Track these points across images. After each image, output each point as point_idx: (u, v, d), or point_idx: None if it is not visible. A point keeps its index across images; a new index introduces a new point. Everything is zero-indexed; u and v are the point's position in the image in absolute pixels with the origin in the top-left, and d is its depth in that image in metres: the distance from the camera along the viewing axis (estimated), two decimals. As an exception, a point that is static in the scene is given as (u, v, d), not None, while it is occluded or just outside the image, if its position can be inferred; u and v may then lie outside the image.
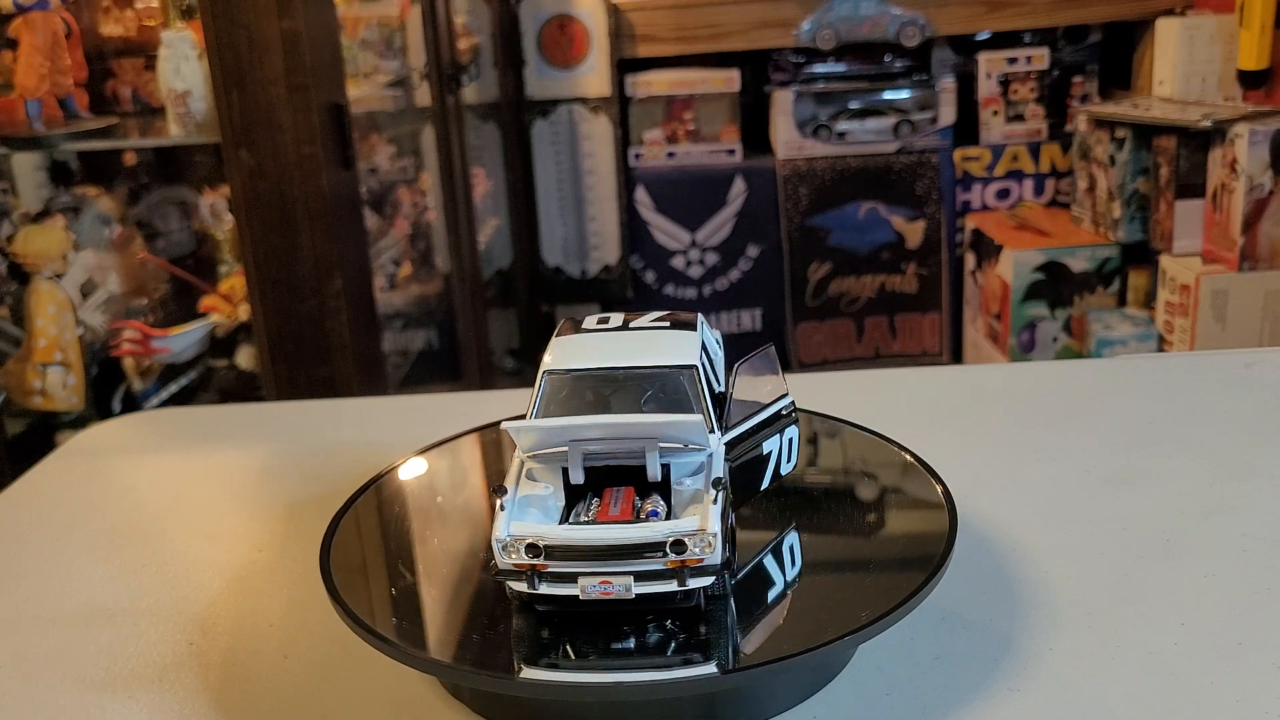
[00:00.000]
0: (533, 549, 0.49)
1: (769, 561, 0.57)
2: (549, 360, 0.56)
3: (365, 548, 0.61)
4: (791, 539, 0.59)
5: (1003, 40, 2.53)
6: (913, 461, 0.65)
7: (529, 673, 0.49)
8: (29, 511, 0.81)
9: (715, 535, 0.48)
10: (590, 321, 0.59)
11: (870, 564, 0.56)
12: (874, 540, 0.59)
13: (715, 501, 0.49)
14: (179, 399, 1.66)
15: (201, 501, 0.80)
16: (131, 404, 1.65)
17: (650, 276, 2.64)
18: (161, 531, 0.75)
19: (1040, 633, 0.57)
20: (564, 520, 0.52)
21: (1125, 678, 0.53)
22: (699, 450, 0.52)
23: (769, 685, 0.52)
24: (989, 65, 2.51)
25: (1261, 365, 0.90)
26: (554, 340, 0.58)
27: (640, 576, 0.49)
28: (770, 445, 0.58)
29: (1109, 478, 0.74)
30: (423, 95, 2.00)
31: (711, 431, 0.54)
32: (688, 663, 0.49)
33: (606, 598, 0.49)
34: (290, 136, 1.37)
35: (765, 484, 0.59)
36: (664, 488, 0.52)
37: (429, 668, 0.51)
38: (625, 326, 0.59)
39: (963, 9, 2.45)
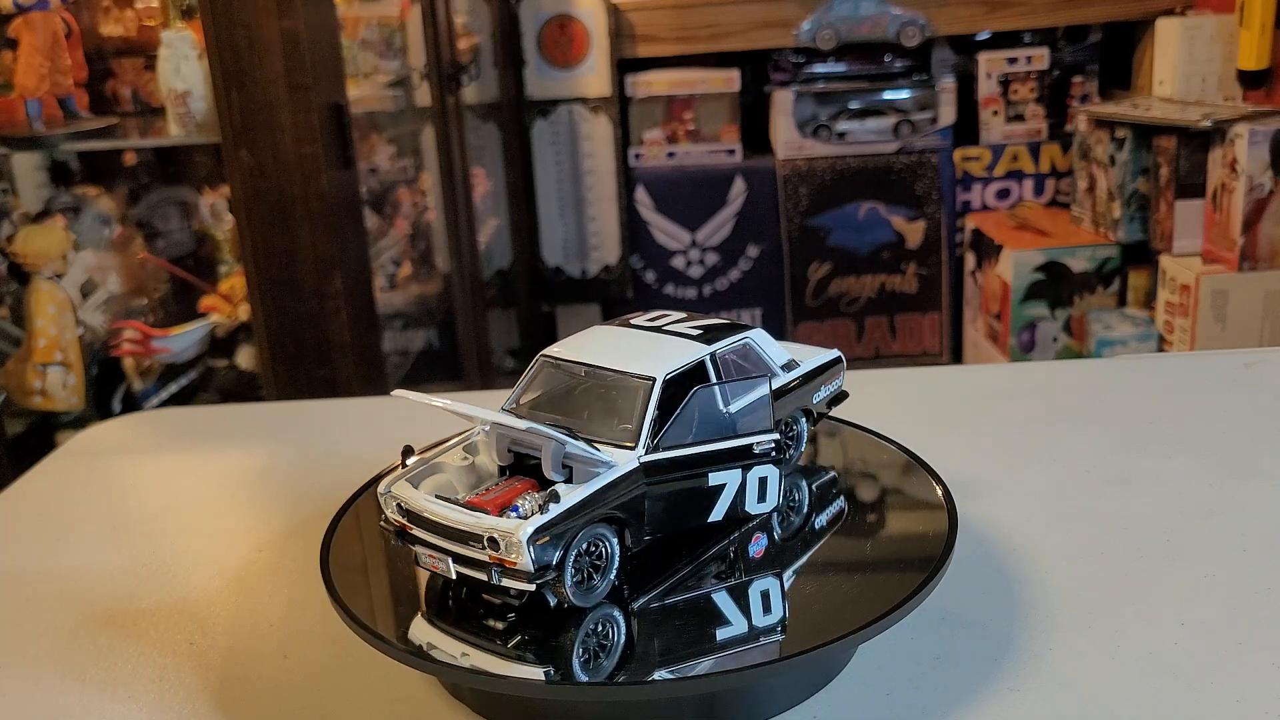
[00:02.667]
0: (400, 509, 0.54)
1: (769, 562, 0.57)
2: (554, 346, 0.60)
3: (365, 548, 0.61)
4: (792, 539, 0.59)
5: (1003, 40, 2.53)
6: (913, 461, 0.65)
7: (529, 673, 0.49)
8: (29, 511, 0.81)
9: (519, 544, 0.49)
10: (641, 318, 0.62)
11: (870, 564, 0.56)
12: (874, 540, 0.59)
13: (543, 511, 0.50)
14: (179, 399, 1.66)
15: (201, 501, 0.80)
16: (131, 404, 1.65)
17: (650, 276, 2.64)
18: (161, 531, 0.75)
19: (1040, 633, 0.57)
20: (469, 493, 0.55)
21: (1125, 678, 0.53)
22: (601, 461, 0.53)
23: (769, 685, 0.52)
24: (989, 65, 2.51)
25: (1261, 365, 0.90)
26: (586, 329, 0.62)
27: (461, 560, 0.51)
28: (724, 479, 0.56)
29: (1109, 478, 0.74)
30: (423, 95, 2.00)
31: (629, 446, 0.54)
32: (688, 663, 0.49)
33: (435, 570, 0.53)
34: (290, 136, 1.37)
35: (715, 518, 0.56)
36: None
37: (429, 668, 0.51)
38: (652, 327, 0.60)
39: (963, 9, 2.45)
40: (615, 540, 0.53)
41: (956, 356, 2.66)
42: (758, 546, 0.58)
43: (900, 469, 0.65)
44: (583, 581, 0.52)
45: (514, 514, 0.51)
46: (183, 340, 1.60)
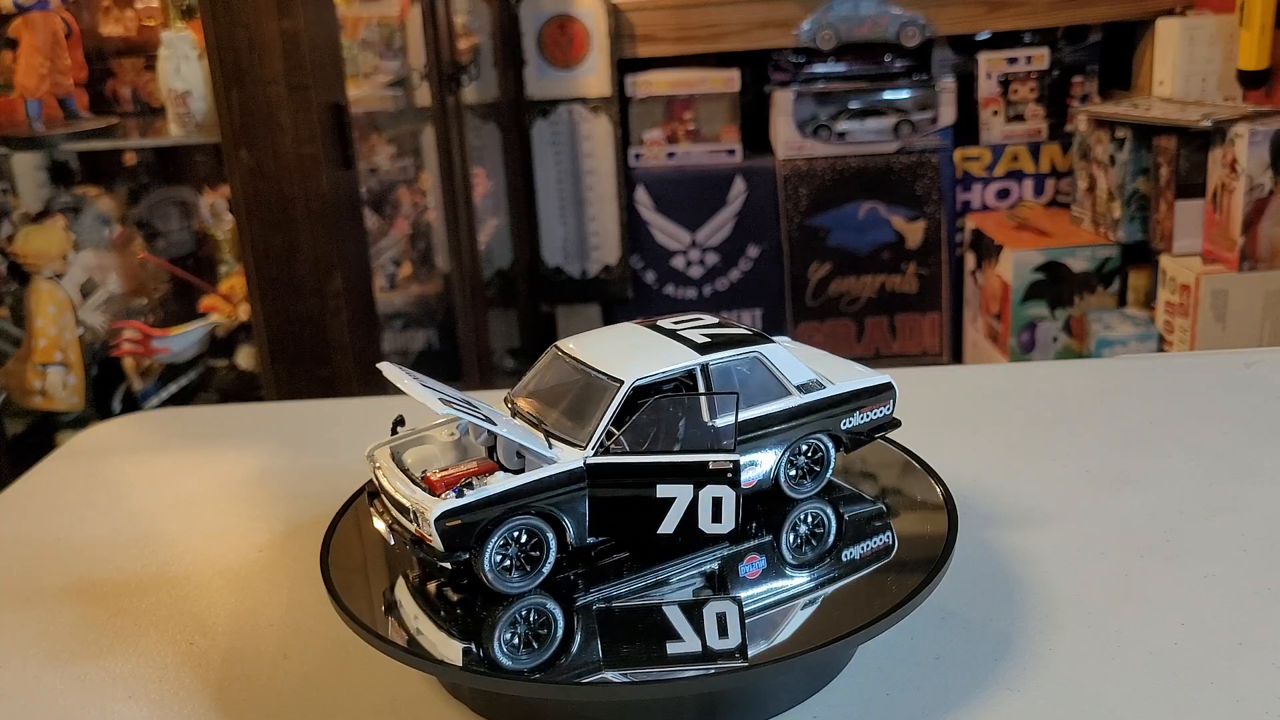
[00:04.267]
0: (376, 475, 0.58)
1: (769, 562, 0.57)
2: (568, 339, 0.61)
3: (365, 548, 0.61)
4: (792, 539, 0.59)
5: (1003, 40, 2.53)
6: (913, 462, 0.65)
7: (529, 673, 0.49)
8: (29, 511, 0.81)
9: (429, 522, 0.51)
10: (668, 320, 0.62)
11: (870, 564, 0.56)
12: (874, 540, 0.59)
13: (458, 496, 0.52)
14: (179, 399, 1.66)
15: (201, 501, 0.80)
16: (131, 404, 1.65)
17: (650, 276, 2.64)
18: (161, 531, 0.75)
19: (1040, 633, 0.57)
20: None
21: (1125, 678, 0.53)
22: (546, 457, 0.54)
23: (769, 685, 0.52)
24: (989, 65, 2.51)
25: (1261, 365, 0.90)
26: (613, 325, 0.63)
27: (396, 529, 0.55)
28: (673, 493, 0.55)
29: (1109, 478, 0.74)
30: (423, 95, 2.00)
31: (580, 446, 0.54)
32: (688, 663, 0.49)
33: (383, 535, 0.57)
34: (290, 136, 1.37)
35: (664, 530, 0.55)
36: None
37: (429, 668, 0.51)
38: (668, 330, 0.60)
39: (963, 9, 2.45)
40: (552, 536, 0.54)
41: (956, 356, 2.66)
42: (751, 567, 0.56)
43: (900, 469, 0.65)
44: (511, 569, 0.53)
45: (452, 494, 0.52)
46: (183, 340, 1.60)
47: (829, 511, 0.61)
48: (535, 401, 0.59)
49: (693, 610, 0.53)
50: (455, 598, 0.55)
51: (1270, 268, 1.93)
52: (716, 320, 0.62)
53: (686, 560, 0.56)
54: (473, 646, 0.51)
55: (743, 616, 0.53)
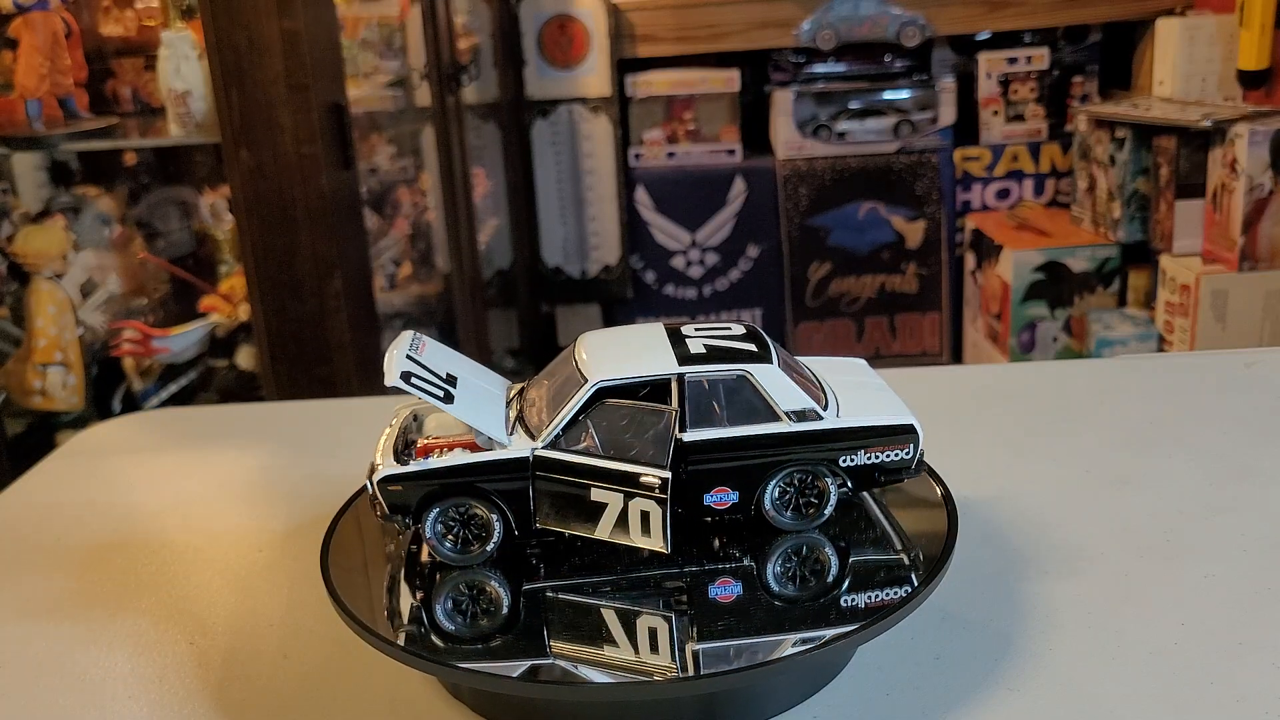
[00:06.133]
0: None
1: (769, 561, 0.57)
2: (596, 331, 0.63)
3: (365, 548, 0.61)
4: (791, 539, 0.58)
5: (1003, 40, 2.53)
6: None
7: (529, 673, 0.49)
8: (29, 511, 0.81)
9: (372, 484, 0.56)
10: (690, 326, 0.62)
11: (870, 564, 0.56)
12: (874, 540, 0.59)
13: (404, 464, 0.56)
14: (179, 399, 1.66)
15: (201, 501, 0.80)
16: (131, 404, 1.65)
17: (650, 276, 2.64)
18: (161, 531, 0.75)
19: (1040, 633, 0.57)
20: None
21: (1125, 678, 0.53)
22: (499, 443, 0.56)
23: (769, 685, 0.52)
24: (989, 65, 2.51)
25: (1261, 365, 0.90)
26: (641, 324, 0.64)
27: (368, 484, 0.57)
28: (606, 499, 0.55)
29: (1109, 478, 0.74)
30: (423, 95, 2.00)
31: (534, 437, 0.56)
32: (688, 662, 0.49)
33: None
34: (290, 136, 1.37)
35: (600, 535, 0.55)
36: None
37: (429, 668, 0.51)
38: (671, 333, 0.60)
39: (963, 9, 2.45)
40: (497, 518, 0.56)
41: (956, 356, 2.66)
42: (723, 590, 0.54)
43: (900, 469, 0.65)
44: (456, 543, 0.56)
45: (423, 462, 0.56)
46: (183, 340, 1.60)
47: (829, 550, 0.57)
48: (536, 390, 0.60)
49: (628, 618, 0.53)
50: (454, 599, 0.55)
51: (1270, 268, 1.93)
52: (744, 332, 0.60)
53: (663, 569, 0.56)
54: (473, 647, 0.51)
55: (674, 634, 0.52)
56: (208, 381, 1.68)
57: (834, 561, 0.57)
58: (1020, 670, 0.54)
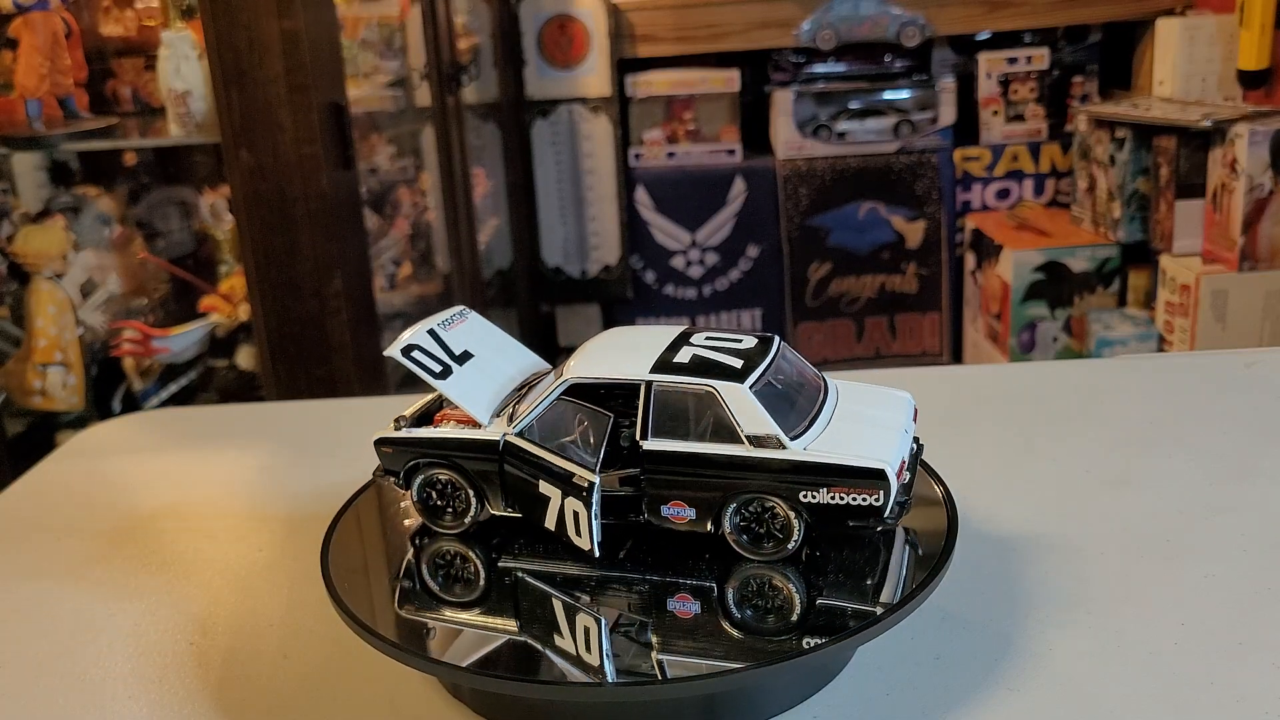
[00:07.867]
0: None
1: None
2: (616, 328, 0.64)
3: (365, 548, 0.61)
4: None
5: (1003, 40, 2.53)
6: (913, 461, 0.65)
7: (529, 673, 0.49)
8: (29, 511, 0.81)
9: (374, 442, 0.61)
10: (700, 333, 0.61)
11: (870, 564, 0.56)
12: (874, 540, 0.59)
13: (398, 429, 0.60)
14: (179, 399, 1.66)
15: (201, 501, 0.80)
16: (131, 404, 1.65)
17: (650, 276, 2.64)
18: (161, 531, 0.75)
19: (1040, 633, 0.57)
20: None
21: (1125, 678, 0.53)
22: (477, 423, 0.59)
23: (769, 685, 0.52)
24: (989, 65, 2.51)
25: (1261, 365, 0.90)
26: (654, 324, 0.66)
27: None
28: (549, 493, 0.56)
29: (1109, 478, 0.74)
30: (423, 95, 2.00)
31: (519, 422, 0.58)
32: (688, 663, 0.49)
33: None
34: (290, 136, 1.37)
35: (548, 525, 0.56)
36: None
37: (429, 668, 0.51)
38: (682, 336, 0.60)
39: (963, 9, 2.45)
40: (472, 492, 0.59)
41: (956, 356, 2.66)
42: (681, 606, 0.53)
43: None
44: (438, 510, 0.60)
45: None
46: (183, 340, 1.60)
47: (795, 584, 0.54)
48: (546, 378, 0.62)
49: (628, 618, 0.53)
50: (454, 599, 0.55)
51: (1270, 268, 1.93)
52: (749, 345, 0.58)
53: (635, 574, 0.56)
54: (473, 647, 0.51)
55: (604, 639, 0.51)
56: (208, 381, 1.68)
57: (834, 561, 0.57)
58: (1020, 670, 0.54)
